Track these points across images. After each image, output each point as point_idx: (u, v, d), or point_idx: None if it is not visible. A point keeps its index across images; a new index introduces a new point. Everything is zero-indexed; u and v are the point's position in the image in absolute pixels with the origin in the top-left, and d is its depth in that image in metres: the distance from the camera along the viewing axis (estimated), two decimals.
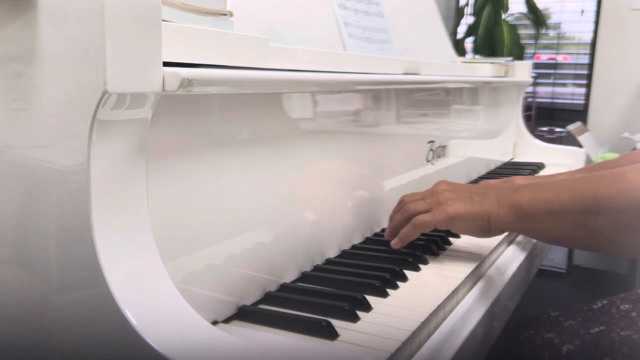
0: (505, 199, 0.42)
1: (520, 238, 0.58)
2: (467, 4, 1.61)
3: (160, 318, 0.26)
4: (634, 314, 0.49)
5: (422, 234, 0.53)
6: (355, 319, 0.35)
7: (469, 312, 0.40)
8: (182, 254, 0.32)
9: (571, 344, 0.48)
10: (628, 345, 0.45)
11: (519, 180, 0.59)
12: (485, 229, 0.43)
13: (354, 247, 0.51)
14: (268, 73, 0.35)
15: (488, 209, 0.42)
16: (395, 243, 0.47)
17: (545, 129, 1.63)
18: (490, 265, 0.50)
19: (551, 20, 1.76)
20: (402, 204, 0.48)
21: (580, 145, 1.31)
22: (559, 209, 0.39)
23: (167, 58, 0.27)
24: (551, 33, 1.79)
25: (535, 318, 0.53)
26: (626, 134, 1.43)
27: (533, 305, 0.67)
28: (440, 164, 0.71)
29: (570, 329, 0.49)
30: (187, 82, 0.28)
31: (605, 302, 0.53)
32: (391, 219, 0.49)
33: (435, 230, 0.55)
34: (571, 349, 0.47)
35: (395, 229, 0.47)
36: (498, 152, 0.99)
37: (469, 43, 1.62)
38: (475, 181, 0.84)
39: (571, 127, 1.45)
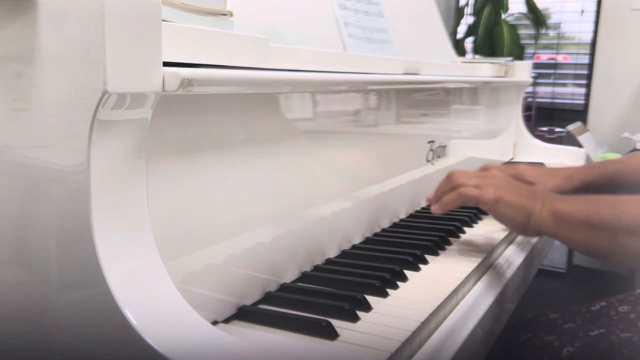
0: (549, 203, 0.44)
1: (520, 238, 0.58)
2: (467, 4, 1.61)
3: (160, 318, 0.26)
4: (632, 315, 0.50)
5: (423, 234, 0.54)
6: (355, 319, 0.35)
7: (469, 312, 0.40)
8: (182, 254, 0.32)
9: (571, 346, 0.48)
10: (628, 348, 0.45)
11: (521, 166, 0.60)
12: (524, 225, 0.44)
13: (354, 247, 0.51)
14: (268, 73, 0.35)
15: (532, 207, 0.44)
16: (435, 208, 0.49)
17: (545, 129, 1.63)
18: (491, 265, 0.50)
19: (551, 20, 1.77)
20: (451, 176, 0.49)
21: (580, 146, 1.31)
22: (597, 223, 0.41)
23: (167, 58, 0.27)
24: (551, 33, 1.79)
25: (534, 320, 0.53)
26: (626, 134, 1.43)
27: (533, 305, 0.67)
28: (441, 164, 0.71)
29: (570, 331, 0.49)
30: (187, 82, 0.28)
31: (603, 303, 0.53)
32: (438, 189, 0.50)
33: (437, 229, 0.55)
34: (571, 352, 0.47)
35: (439, 194, 0.48)
36: (498, 152, 0.99)
37: (469, 43, 1.62)
38: None
39: (571, 127, 1.45)
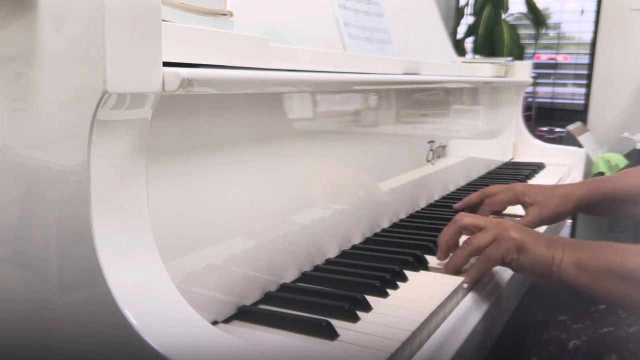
0: (569, 251, 0.42)
1: None
2: (467, 4, 1.61)
3: (160, 318, 0.26)
4: None
5: (423, 234, 0.54)
6: (355, 319, 0.35)
7: (469, 312, 0.40)
8: (182, 254, 0.32)
9: (578, 339, 0.48)
10: (635, 342, 0.45)
11: (519, 187, 0.59)
12: (545, 274, 0.42)
13: (354, 247, 0.51)
14: (268, 73, 0.35)
15: (554, 254, 0.42)
16: (450, 269, 0.45)
17: (545, 128, 1.63)
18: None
19: (551, 20, 1.77)
20: (462, 227, 0.47)
21: (580, 145, 1.31)
22: (621, 274, 0.39)
23: (167, 58, 0.27)
24: (551, 33, 1.79)
25: (543, 322, 0.53)
26: (626, 134, 1.43)
27: (534, 307, 0.67)
28: (440, 164, 0.71)
29: (579, 330, 0.49)
30: (187, 82, 0.28)
31: None
32: (443, 237, 0.47)
33: (437, 230, 0.55)
34: (577, 345, 0.47)
35: (457, 263, 0.45)
36: (498, 152, 0.99)
37: (469, 43, 1.62)
38: (475, 181, 0.84)
39: (571, 127, 1.45)
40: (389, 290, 0.40)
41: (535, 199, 0.57)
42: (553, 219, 0.58)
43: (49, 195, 0.27)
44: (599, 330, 0.48)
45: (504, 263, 0.43)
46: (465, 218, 0.47)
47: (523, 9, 1.58)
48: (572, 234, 1.56)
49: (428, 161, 0.67)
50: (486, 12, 1.52)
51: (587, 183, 0.59)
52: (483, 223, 0.45)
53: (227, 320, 0.36)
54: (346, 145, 0.50)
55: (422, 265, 0.46)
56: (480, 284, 0.45)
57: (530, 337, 0.50)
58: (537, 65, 1.76)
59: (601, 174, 1.36)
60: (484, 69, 0.84)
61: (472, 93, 0.80)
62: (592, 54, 1.57)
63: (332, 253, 0.48)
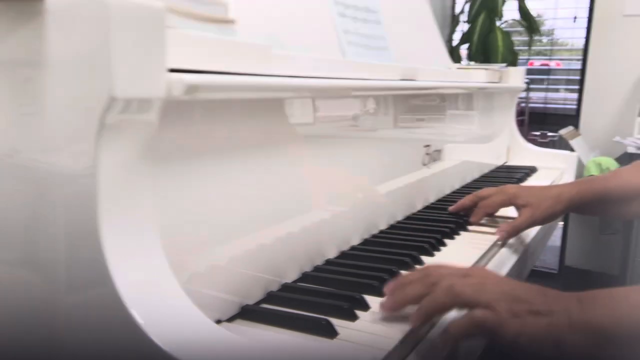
0: (577, 318, 0.31)
1: (512, 240, 0.59)
2: (462, 12, 1.63)
3: (166, 318, 0.26)
4: None
5: (419, 235, 0.55)
6: (354, 317, 0.36)
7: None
8: (187, 255, 0.33)
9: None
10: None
11: (511, 189, 0.58)
12: (552, 354, 0.31)
13: (352, 248, 0.52)
14: (270, 79, 0.36)
15: (559, 330, 0.31)
16: (416, 320, 0.34)
17: (537, 133, 1.65)
18: (485, 266, 0.52)
19: (544, 27, 1.79)
20: (438, 279, 0.34)
21: (572, 149, 1.33)
22: None
23: (172, 64, 0.28)
24: (544, 39, 1.81)
25: None
26: (617, 138, 1.45)
27: None
28: (436, 167, 0.72)
29: None
30: (191, 89, 0.29)
31: None
32: (409, 285, 0.36)
33: (433, 231, 0.56)
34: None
35: (412, 299, 0.34)
36: (492, 156, 1.00)
37: (464, 50, 1.64)
38: (470, 184, 0.85)
39: (563, 132, 1.47)
40: None
41: (527, 201, 0.57)
42: (545, 220, 0.58)
43: (57, 198, 0.27)
44: None
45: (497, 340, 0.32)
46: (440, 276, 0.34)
47: (517, 16, 1.60)
48: (564, 235, 1.58)
49: (424, 165, 0.68)
50: (481, 19, 1.54)
51: (578, 183, 0.59)
52: (456, 272, 0.35)
53: (230, 319, 0.36)
54: (345, 149, 0.51)
55: (418, 266, 0.47)
56: None
57: None
58: (530, 71, 1.79)
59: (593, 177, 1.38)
60: (478, 75, 0.86)
61: (467, 98, 0.82)
62: (584, 60, 1.60)
63: (332, 254, 0.49)
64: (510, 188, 0.60)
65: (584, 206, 0.58)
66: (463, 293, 0.33)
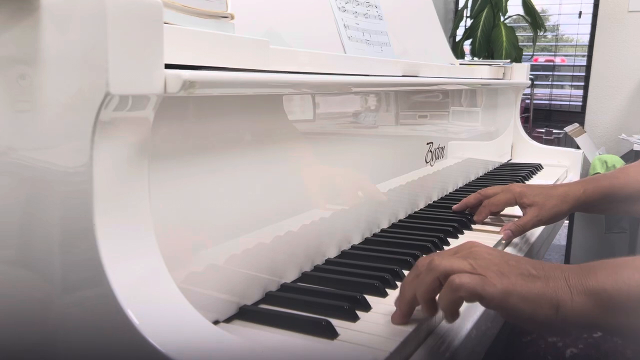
0: (576, 281, 0.30)
1: (516, 240, 0.59)
2: (465, 7, 1.62)
3: (163, 318, 0.26)
4: None
5: (421, 234, 0.54)
6: (354, 318, 0.36)
7: (467, 312, 0.41)
8: (183, 254, 0.32)
9: (575, 347, 0.47)
10: (631, 348, 0.45)
11: (517, 188, 0.57)
12: (550, 318, 0.30)
13: (353, 247, 0.51)
14: (268, 75, 0.35)
15: (556, 292, 0.30)
16: (399, 316, 0.33)
17: (542, 130, 1.64)
18: None
19: (549, 23, 1.78)
20: (427, 263, 0.33)
21: (577, 147, 1.32)
22: None
23: (168, 60, 0.28)
24: (549, 35, 1.80)
25: None
26: (623, 136, 1.44)
27: None
28: (439, 165, 0.71)
29: (574, 333, 0.49)
30: (188, 84, 0.28)
31: None
32: (404, 286, 0.35)
33: (435, 230, 0.55)
34: (575, 352, 0.47)
35: (412, 291, 0.33)
36: (496, 154, 0.99)
37: (467, 45, 1.63)
38: (474, 182, 0.84)
39: (568, 129, 1.46)
40: (388, 290, 0.40)
41: (533, 200, 0.56)
42: (551, 220, 0.57)
43: (52, 196, 0.27)
44: (594, 334, 0.48)
45: (485, 303, 0.31)
46: (435, 259, 0.33)
47: (521, 11, 1.59)
48: (569, 234, 1.57)
49: (427, 162, 0.67)
50: (484, 14, 1.53)
51: (585, 182, 0.59)
52: (453, 251, 0.34)
53: (228, 320, 0.36)
54: (346, 147, 0.50)
55: None
56: None
57: (526, 344, 0.50)
58: (534, 67, 1.77)
59: (598, 174, 1.36)
60: (482, 71, 0.85)
61: (470, 95, 0.81)
62: (589, 56, 1.58)
63: (332, 253, 0.49)
64: (515, 187, 0.60)
65: (591, 205, 0.57)
66: (440, 264, 0.32)
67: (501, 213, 0.62)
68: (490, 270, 0.31)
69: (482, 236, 0.57)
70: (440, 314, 0.35)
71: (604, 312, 0.29)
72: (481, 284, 0.31)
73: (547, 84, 1.77)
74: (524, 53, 1.59)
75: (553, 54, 1.76)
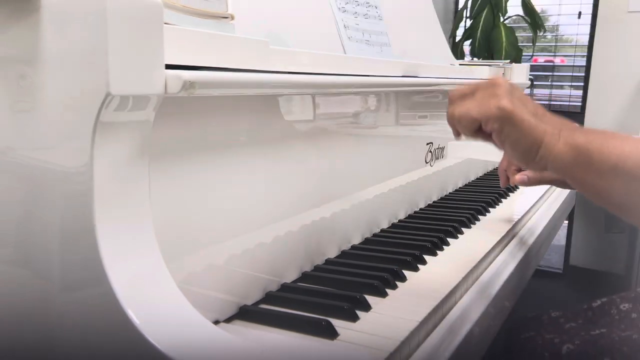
0: (567, 133, 0.33)
1: (516, 240, 0.59)
2: (465, 7, 1.62)
3: (163, 317, 0.26)
4: (634, 315, 0.50)
5: (421, 234, 0.54)
6: (354, 318, 0.36)
7: (467, 312, 0.41)
8: (184, 254, 0.32)
9: (571, 343, 0.48)
10: (628, 345, 0.46)
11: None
12: (530, 153, 0.34)
13: (353, 247, 0.51)
14: (268, 76, 0.35)
15: (544, 132, 0.33)
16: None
17: None
18: (488, 266, 0.51)
19: (548, 23, 1.78)
20: (450, 114, 0.38)
21: None
22: (634, 173, 0.31)
23: (169, 60, 0.28)
24: (549, 36, 1.80)
25: (536, 319, 0.53)
26: None
27: (530, 306, 0.67)
28: (439, 165, 0.71)
29: (571, 330, 0.49)
30: (188, 85, 0.28)
31: (605, 299, 0.53)
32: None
33: (435, 230, 0.55)
34: (571, 349, 0.47)
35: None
36: (496, 154, 0.99)
37: (467, 46, 1.63)
38: (473, 182, 0.84)
39: None
40: (388, 290, 0.41)
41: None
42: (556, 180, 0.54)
43: (52, 196, 0.27)
44: (591, 332, 0.48)
45: (484, 135, 0.36)
46: (453, 95, 0.38)
47: (521, 11, 1.59)
48: (569, 234, 1.57)
49: (427, 162, 0.68)
50: (484, 15, 1.53)
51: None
52: (469, 90, 0.37)
53: (228, 320, 0.36)
54: (346, 147, 0.50)
55: (421, 266, 0.47)
56: (478, 283, 0.46)
57: (524, 340, 0.51)
58: (534, 68, 1.77)
59: None
60: (482, 72, 0.85)
61: None
62: (589, 56, 1.58)
63: (332, 253, 0.49)
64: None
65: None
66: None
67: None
68: (495, 97, 0.35)
69: (482, 235, 0.57)
70: None
71: (578, 165, 0.33)
72: (477, 109, 0.35)
73: (547, 84, 1.77)
74: (523, 53, 1.59)
75: (553, 54, 1.76)
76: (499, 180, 0.89)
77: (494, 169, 0.97)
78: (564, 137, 0.34)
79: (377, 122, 0.55)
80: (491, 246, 0.53)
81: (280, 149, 0.41)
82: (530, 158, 0.35)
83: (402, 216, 0.62)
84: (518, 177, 0.53)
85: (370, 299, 0.38)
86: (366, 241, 0.53)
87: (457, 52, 1.57)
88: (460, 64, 0.92)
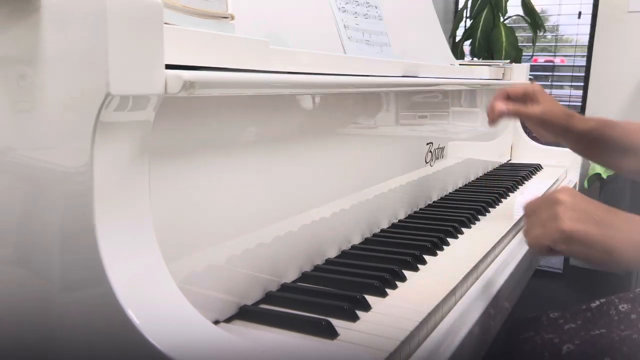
0: (637, 236, 0.35)
1: (516, 240, 0.59)
2: (465, 7, 1.62)
3: (163, 317, 0.26)
4: (633, 316, 0.50)
5: (421, 234, 0.54)
6: (354, 318, 0.36)
7: (467, 312, 0.41)
8: (184, 254, 0.32)
9: (571, 343, 0.48)
10: (628, 345, 0.46)
11: (534, 89, 0.57)
12: (604, 262, 0.36)
13: (353, 247, 0.51)
14: (268, 76, 0.35)
15: (612, 240, 0.35)
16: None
17: None
18: (488, 266, 0.51)
19: (548, 23, 1.78)
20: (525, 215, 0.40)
21: None
22: None
23: (169, 60, 0.28)
24: (549, 36, 1.80)
25: (535, 319, 0.53)
26: None
27: (530, 306, 0.67)
28: (439, 165, 0.71)
29: (571, 331, 0.49)
30: (189, 85, 0.28)
31: (603, 300, 0.53)
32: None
33: (435, 230, 0.55)
34: (571, 349, 0.47)
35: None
36: (496, 154, 1.00)
37: (467, 46, 1.63)
38: (473, 182, 0.84)
39: None
40: (388, 290, 0.41)
41: (544, 98, 0.58)
42: (546, 122, 0.58)
43: (52, 196, 0.27)
44: (591, 332, 0.48)
45: (553, 251, 0.38)
46: (526, 209, 0.41)
47: (520, 11, 1.59)
48: None
49: (427, 162, 0.68)
50: (484, 15, 1.53)
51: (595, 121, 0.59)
52: (536, 205, 0.39)
53: (228, 320, 0.36)
54: (346, 147, 0.50)
55: (421, 266, 0.47)
56: (478, 284, 0.46)
57: (524, 341, 0.50)
58: (534, 68, 1.77)
59: (598, 175, 1.37)
60: (481, 72, 0.85)
61: (470, 95, 0.81)
62: (589, 56, 1.58)
63: (332, 253, 0.49)
64: (535, 85, 0.60)
65: (586, 137, 0.58)
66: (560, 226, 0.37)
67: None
68: (556, 220, 0.37)
69: (482, 235, 0.57)
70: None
71: None
72: (543, 234, 0.37)
73: (547, 85, 1.77)
74: (523, 53, 1.59)
75: (552, 54, 1.76)
76: (499, 180, 0.89)
77: (494, 169, 0.97)
78: (633, 242, 0.35)
79: (377, 122, 0.55)
80: (491, 246, 0.53)
81: (280, 149, 0.41)
82: (606, 267, 0.37)
83: (402, 216, 0.62)
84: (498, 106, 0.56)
85: (370, 299, 0.38)
86: (366, 241, 0.53)
87: (457, 52, 1.57)
88: (460, 64, 0.92)
